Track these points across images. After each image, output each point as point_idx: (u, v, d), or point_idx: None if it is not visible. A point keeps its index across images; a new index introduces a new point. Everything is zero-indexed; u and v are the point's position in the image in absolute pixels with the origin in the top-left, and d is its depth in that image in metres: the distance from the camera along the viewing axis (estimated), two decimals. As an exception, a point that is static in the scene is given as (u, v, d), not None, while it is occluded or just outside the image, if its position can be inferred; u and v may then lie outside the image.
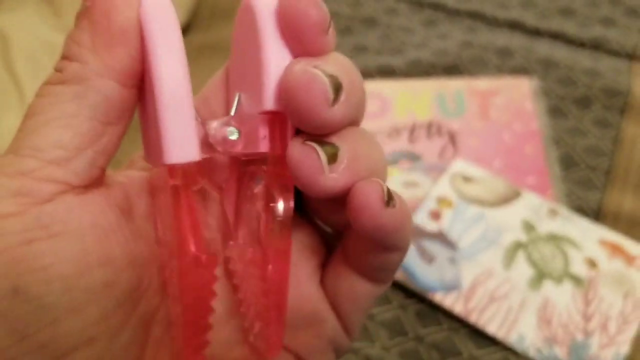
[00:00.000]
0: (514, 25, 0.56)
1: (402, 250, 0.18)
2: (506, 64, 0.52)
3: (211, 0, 0.58)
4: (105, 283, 0.16)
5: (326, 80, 0.16)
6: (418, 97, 0.50)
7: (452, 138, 0.47)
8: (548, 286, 0.38)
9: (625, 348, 0.35)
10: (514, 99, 0.49)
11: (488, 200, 0.43)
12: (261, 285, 0.18)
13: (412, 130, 0.48)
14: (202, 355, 0.18)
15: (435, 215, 0.42)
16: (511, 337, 0.36)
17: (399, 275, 0.39)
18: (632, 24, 0.55)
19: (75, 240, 0.15)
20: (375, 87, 0.51)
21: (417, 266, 0.39)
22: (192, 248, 0.17)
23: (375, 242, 0.18)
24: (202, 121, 0.17)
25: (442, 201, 0.43)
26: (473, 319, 0.37)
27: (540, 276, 0.39)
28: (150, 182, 0.19)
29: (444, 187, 0.44)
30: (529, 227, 0.41)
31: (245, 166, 0.19)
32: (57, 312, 0.15)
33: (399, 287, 0.39)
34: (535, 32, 0.55)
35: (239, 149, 0.18)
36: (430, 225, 0.41)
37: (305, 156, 0.16)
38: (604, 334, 0.36)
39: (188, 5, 0.56)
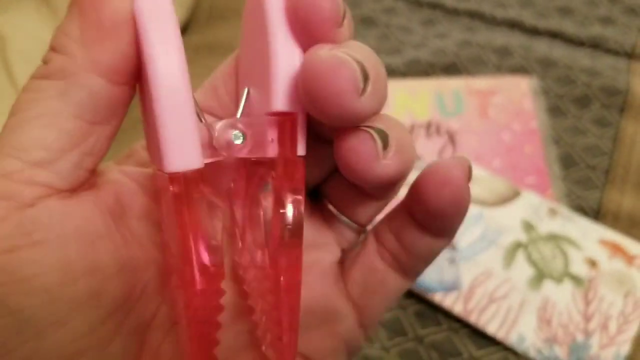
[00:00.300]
0: (513, 25, 0.56)
1: (450, 237, 0.18)
2: (505, 63, 0.52)
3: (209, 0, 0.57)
4: (91, 293, 0.15)
5: (356, 66, 0.14)
6: (417, 97, 0.50)
7: (451, 138, 0.47)
8: (548, 286, 0.38)
9: (625, 348, 0.35)
10: (513, 98, 0.49)
11: (487, 200, 0.42)
12: (272, 297, 0.17)
13: (411, 130, 0.48)
14: (212, 355, 0.17)
15: (435, 215, 0.42)
16: (511, 338, 0.36)
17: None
18: (630, 23, 0.55)
19: (58, 248, 0.14)
20: (374, 87, 0.51)
21: (416, 266, 0.39)
22: (199, 259, 0.16)
23: (437, 222, 0.17)
24: (206, 123, 0.16)
25: (442, 201, 0.43)
26: (473, 319, 0.37)
27: (540, 276, 0.39)
28: (154, 181, 0.17)
29: (443, 187, 0.43)
30: (528, 226, 0.41)
31: (253, 166, 0.18)
32: (40, 325, 0.14)
33: (398, 287, 0.39)
34: (534, 31, 0.55)
35: (244, 153, 0.17)
36: (430, 225, 0.41)
37: (360, 142, 0.15)
38: (604, 334, 0.36)
39: (188, 3, 0.55)
